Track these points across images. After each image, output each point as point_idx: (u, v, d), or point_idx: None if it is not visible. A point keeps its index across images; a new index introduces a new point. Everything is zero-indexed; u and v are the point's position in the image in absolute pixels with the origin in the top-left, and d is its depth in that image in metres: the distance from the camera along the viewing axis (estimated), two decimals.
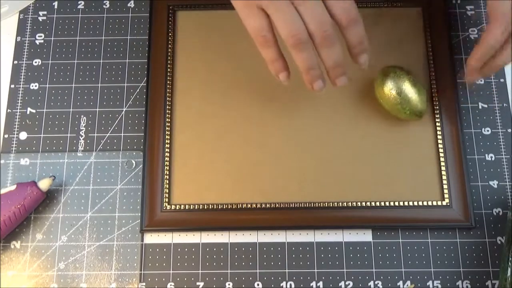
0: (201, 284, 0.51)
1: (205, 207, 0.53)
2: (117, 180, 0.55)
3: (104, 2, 0.61)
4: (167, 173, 0.54)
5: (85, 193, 0.54)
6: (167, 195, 0.53)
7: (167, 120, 0.55)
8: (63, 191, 0.54)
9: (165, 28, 0.59)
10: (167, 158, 0.54)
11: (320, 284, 0.51)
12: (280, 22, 0.43)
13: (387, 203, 0.53)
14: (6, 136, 0.56)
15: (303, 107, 0.56)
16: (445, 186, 0.53)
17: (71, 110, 0.57)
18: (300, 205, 0.53)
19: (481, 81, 0.57)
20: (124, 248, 0.52)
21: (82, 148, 0.56)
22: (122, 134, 0.56)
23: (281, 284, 0.51)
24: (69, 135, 0.56)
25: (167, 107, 0.56)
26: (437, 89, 0.56)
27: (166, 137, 0.55)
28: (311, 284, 0.51)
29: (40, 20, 0.61)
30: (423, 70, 0.57)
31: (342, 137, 0.55)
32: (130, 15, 0.60)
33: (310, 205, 0.53)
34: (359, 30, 0.45)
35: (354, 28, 0.45)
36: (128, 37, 0.59)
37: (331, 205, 0.53)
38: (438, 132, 0.55)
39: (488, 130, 0.56)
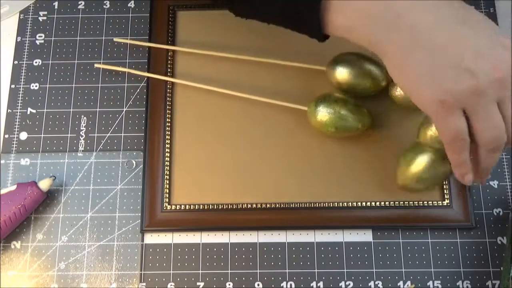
0: (201, 284, 0.51)
1: (206, 207, 0.53)
2: (118, 180, 0.55)
3: (104, 2, 0.61)
4: (167, 173, 0.54)
5: (86, 193, 0.54)
6: (167, 195, 0.53)
7: (167, 120, 0.55)
8: (63, 191, 0.54)
9: (165, 28, 0.59)
10: (167, 158, 0.54)
11: (321, 284, 0.51)
12: (484, 126, 0.40)
13: (387, 203, 0.53)
14: (6, 136, 0.56)
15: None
16: (445, 186, 0.53)
17: (71, 110, 0.57)
18: (300, 205, 0.53)
19: None
20: (124, 248, 0.52)
21: (83, 148, 0.56)
22: (122, 134, 0.56)
23: (282, 284, 0.51)
24: (69, 135, 0.56)
25: (167, 107, 0.56)
26: None
27: (166, 137, 0.55)
28: (311, 284, 0.51)
29: (41, 20, 0.61)
30: None
31: (342, 137, 0.55)
32: (130, 15, 0.60)
33: (310, 205, 0.53)
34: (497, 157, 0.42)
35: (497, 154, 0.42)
36: (129, 37, 0.59)
37: (331, 205, 0.53)
38: None
39: None
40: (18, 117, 0.57)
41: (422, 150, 0.48)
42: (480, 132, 0.40)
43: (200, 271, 0.52)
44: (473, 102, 0.39)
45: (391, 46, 0.40)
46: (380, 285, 0.51)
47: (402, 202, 0.53)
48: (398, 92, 0.53)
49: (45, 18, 0.61)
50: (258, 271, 0.52)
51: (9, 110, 0.57)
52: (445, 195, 0.53)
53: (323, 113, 0.51)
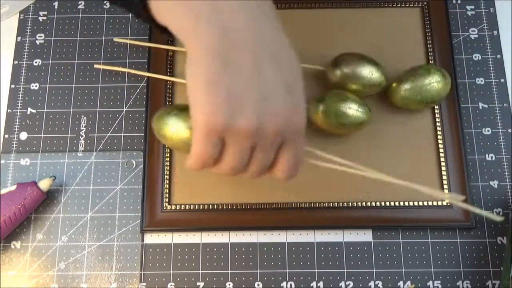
0: (201, 284, 0.51)
1: (205, 207, 0.53)
2: (118, 180, 0.55)
3: (104, 2, 0.61)
4: (167, 173, 0.54)
5: (86, 193, 0.54)
6: (167, 195, 0.53)
7: None
8: (63, 191, 0.54)
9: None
10: (167, 158, 0.54)
11: (321, 284, 0.51)
12: (230, 160, 0.39)
13: (387, 203, 0.53)
14: (6, 136, 0.56)
15: None
16: (445, 186, 0.53)
17: (71, 110, 0.57)
18: (300, 205, 0.53)
19: (481, 81, 0.57)
20: (124, 248, 0.52)
21: (83, 148, 0.56)
22: (122, 134, 0.56)
23: (281, 284, 0.51)
24: (69, 135, 0.56)
25: None
26: None
27: None
28: (311, 284, 0.51)
29: (41, 20, 0.61)
30: None
31: (342, 135, 0.55)
32: (130, 15, 0.60)
33: (310, 205, 0.53)
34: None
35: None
36: (129, 37, 0.59)
37: (331, 205, 0.53)
38: (439, 132, 0.55)
39: (488, 130, 0.56)
40: (18, 117, 0.57)
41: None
42: (223, 161, 0.39)
43: (200, 271, 0.52)
44: (234, 141, 0.37)
45: (196, 37, 0.36)
46: (380, 285, 0.51)
47: (402, 202, 0.53)
48: (397, 94, 0.53)
49: (45, 18, 0.61)
50: (258, 271, 0.52)
51: (9, 110, 0.57)
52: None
53: (325, 109, 0.51)
